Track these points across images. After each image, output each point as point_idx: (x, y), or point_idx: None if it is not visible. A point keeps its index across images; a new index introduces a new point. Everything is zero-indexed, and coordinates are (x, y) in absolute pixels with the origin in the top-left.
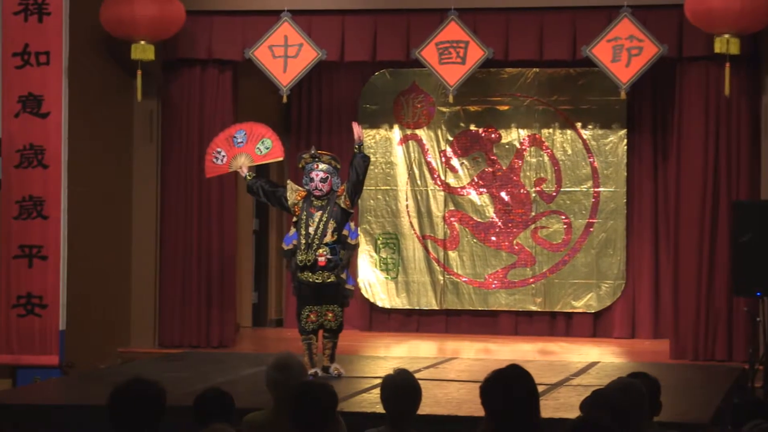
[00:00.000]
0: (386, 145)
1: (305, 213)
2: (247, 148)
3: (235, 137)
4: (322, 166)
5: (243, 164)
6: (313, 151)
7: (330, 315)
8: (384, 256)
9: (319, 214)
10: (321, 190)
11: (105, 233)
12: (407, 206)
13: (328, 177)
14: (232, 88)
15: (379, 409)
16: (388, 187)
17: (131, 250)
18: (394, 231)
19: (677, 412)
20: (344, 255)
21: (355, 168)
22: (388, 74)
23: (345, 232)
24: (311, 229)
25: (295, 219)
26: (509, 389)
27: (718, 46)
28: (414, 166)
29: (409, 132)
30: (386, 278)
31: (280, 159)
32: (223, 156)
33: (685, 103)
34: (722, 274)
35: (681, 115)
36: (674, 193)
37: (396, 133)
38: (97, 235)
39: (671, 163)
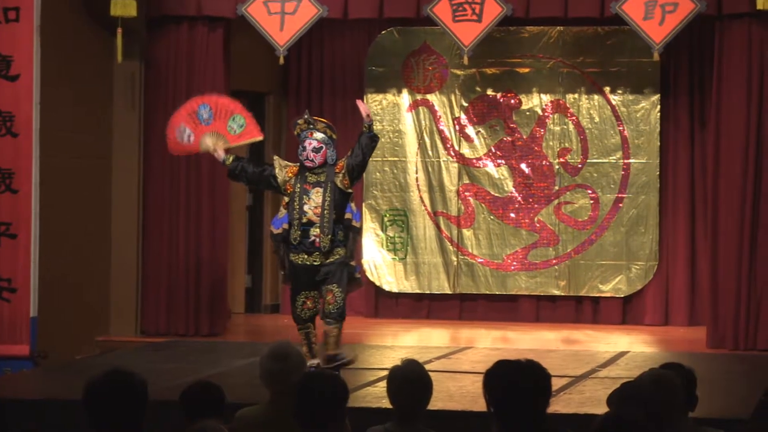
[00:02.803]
0: (394, 112)
1: (299, 189)
2: (217, 126)
3: (198, 113)
4: (317, 134)
5: (217, 146)
6: (306, 116)
7: (329, 296)
8: (391, 234)
9: (315, 190)
10: (312, 161)
11: (82, 209)
12: (417, 179)
13: (322, 147)
14: (224, 49)
15: (386, 403)
16: (396, 159)
17: (111, 228)
18: (403, 207)
19: (715, 406)
20: (350, 241)
21: (361, 146)
22: (396, 33)
23: (348, 215)
24: (306, 207)
25: (287, 199)
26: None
27: (762, 2)
28: (425, 135)
29: (419, 97)
30: (394, 259)
31: (259, 139)
32: (189, 134)
33: (725, 65)
34: (765, 254)
35: (720, 79)
36: (713, 166)
37: (405, 98)
38: (73, 212)
39: (710, 132)
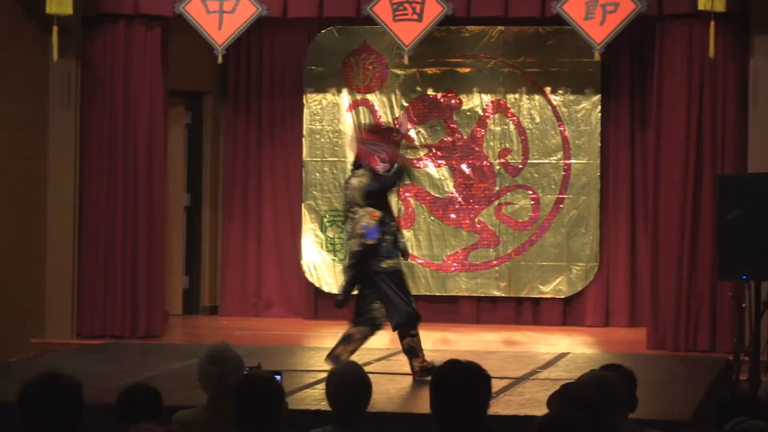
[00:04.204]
0: (334, 112)
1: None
2: None
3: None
4: None
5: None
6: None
7: None
8: (331, 235)
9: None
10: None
11: (16, 209)
12: None
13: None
14: (162, 47)
15: (325, 406)
16: (335, 159)
17: (46, 229)
18: (342, 207)
19: (655, 408)
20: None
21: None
22: (336, 32)
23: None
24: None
25: (379, 212)
26: (452, 386)
27: (702, 3)
28: None
29: (359, 97)
30: (333, 260)
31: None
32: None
33: (666, 66)
34: (706, 255)
35: (661, 80)
36: (653, 166)
37: (345, 98)
38: (7, 212)
39: (650, 132)
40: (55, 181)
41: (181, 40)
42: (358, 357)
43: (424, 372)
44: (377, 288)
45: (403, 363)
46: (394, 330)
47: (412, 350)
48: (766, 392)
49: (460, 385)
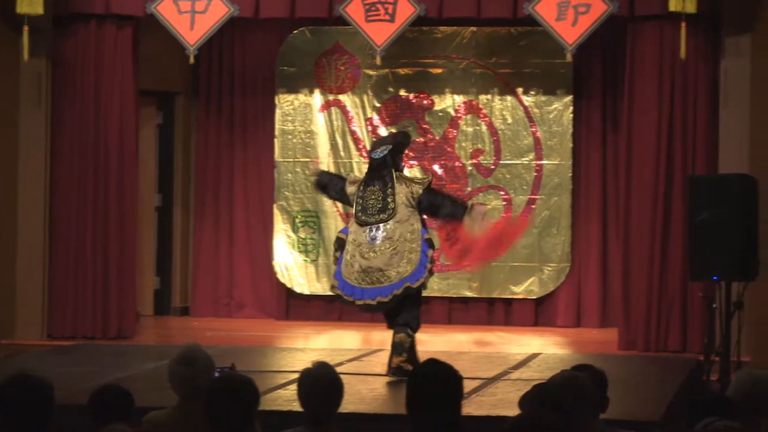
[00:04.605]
0: (306, 112)
1: None
2: None
3: None
4: None
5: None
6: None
7: None
8: (303, 236)
9: None
10: None
11: None
12: None
13: None
14: (133, 47)
15: (297, 407)
16: (307, 159)
17: (17, 229)
18: (314, 208)
19: (626, 408)
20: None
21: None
22: (308, 33)
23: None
24: None
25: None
26: (429, 386)
27: (674, 4)
28: (337, 135)
29: (331, 97)
30: (305, 261)
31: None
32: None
33: (638, 67)
34: (676, 256)
35: (633, 81)
36: (625, 167)
37: (317, 98)
38: None
39: (622, 133)
40: (25, 181)
41: (153, 40)
42: (330, 357)
43: (400, 372)
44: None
45: (375, 364)
46: (390, 327)
47: (401, 347)
48: (735, 391)
49: (439, 385)
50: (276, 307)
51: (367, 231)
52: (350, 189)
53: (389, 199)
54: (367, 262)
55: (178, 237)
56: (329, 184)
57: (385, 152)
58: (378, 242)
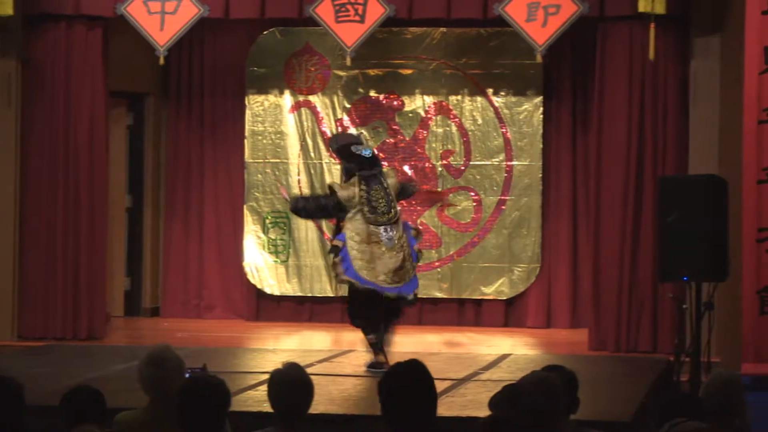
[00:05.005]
0: (276, 113)
1: None
2: None
3: None
4: None
5: None
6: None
7: None
8: (273, 237)
9: None
10: None
11: None
12: (299, 181)
13: None
14: (103, 48)
15: (267, 407)
16: (278, 160)
17: None
18: (285, 209)
19: (597, 408)
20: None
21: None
22: (278, 33)
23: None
24: None
25: None
26: (404, 386)
27: (643, 5)
28: (307, 136)
29: (301, 98)
30: (275, 262)
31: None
32: None
33: (607, 68)
34: (647, 257)
35: (603, 82)
36: (595, 168)
37: (287, 99)
38: None
39: (592, 134)
40: None
41: (123, 40)
42: (300, 358)
43: (377, 366)
44: None
45: (345, 365)
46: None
47: (389, 344)
48: (707, 392)
49: (414, 386)
50: (246, 308)
51: (382, 231)
52: (346, 193)
53: (390, 198)
54: (393, 263)
55: (148, 238)
56: (306, 207)
57: (373, 149)
58: (395, 242)
